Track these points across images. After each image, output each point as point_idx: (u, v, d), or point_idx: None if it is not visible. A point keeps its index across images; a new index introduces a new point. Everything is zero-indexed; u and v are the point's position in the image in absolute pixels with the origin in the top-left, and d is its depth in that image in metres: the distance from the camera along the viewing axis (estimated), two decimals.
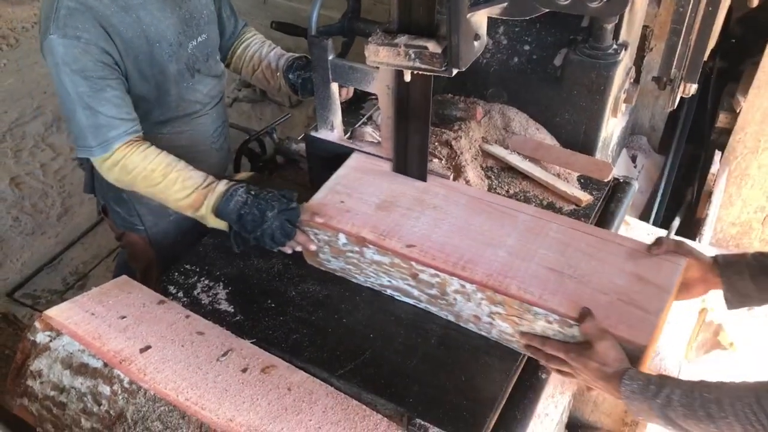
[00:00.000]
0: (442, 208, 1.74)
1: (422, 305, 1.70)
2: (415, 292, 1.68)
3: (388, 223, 1.69)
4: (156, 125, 1.94)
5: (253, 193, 1.74)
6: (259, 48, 2.16)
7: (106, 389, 1.47)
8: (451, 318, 1.67)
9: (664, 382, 1.29)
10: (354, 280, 1.78)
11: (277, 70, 2.11)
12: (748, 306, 1.52)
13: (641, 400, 1.30)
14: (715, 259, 1.54)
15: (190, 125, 2.02)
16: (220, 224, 1.78)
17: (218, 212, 1.75)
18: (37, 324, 1.60)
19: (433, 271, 1.58)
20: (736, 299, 1.51)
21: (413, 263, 1.60)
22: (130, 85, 1.81)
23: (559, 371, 1.49)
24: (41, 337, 1.58)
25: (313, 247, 1.77)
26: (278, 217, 1.71)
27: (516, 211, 1.73)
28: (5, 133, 4.30)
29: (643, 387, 1.30)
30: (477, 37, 1.46)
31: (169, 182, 1.76)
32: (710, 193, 2.69)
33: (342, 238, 1.69)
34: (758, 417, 1.16)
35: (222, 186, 1.77)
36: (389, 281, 1.70)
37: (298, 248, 1.78)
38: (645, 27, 2.63)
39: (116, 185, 1.84)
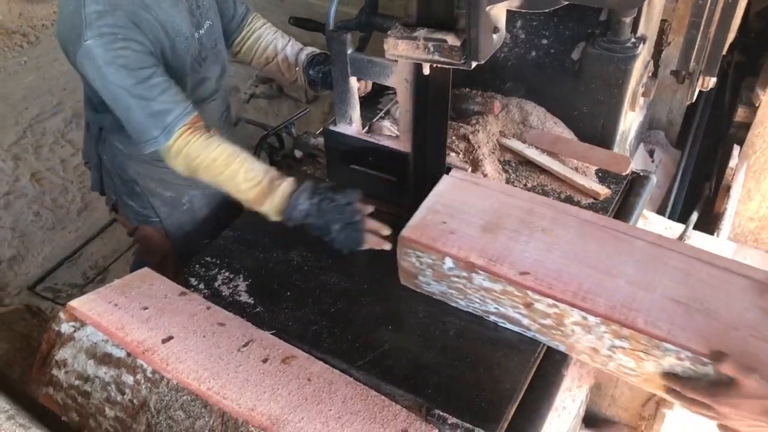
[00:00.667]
0: (552, 231, 1.64)
1: (530, 333, 1.62)
2: (525, 321, 1.59)
3: (496, 248, 1.59)
4: None
5: (316, 201, 1.74)
6: (273, 40, 2.16)
7: (129, 379, 1.49)
8: (562, 348, 1.59)
9: None
10: (454, 305, 1.70)
11: (296, 65, 2.12)
12: None
13: None
14: None
15: (202, 112, 1.99)
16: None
17: (284, 219, 1.77)
18: (61, 314, 1.62)
19: (551, 301, 1.49)
20: None
21: (529, 292, 1.51)
22: None
23: (703, 413, 1.37)
24: (66, 328, 1.60)
25: (386, 247, 1.75)
26: (344, 230, 1.73)
27: (632, 237, 1.63)
28: (26, 130, 4.36)
29: None
30: (496, 30, 1.46)
31: (232, 173, 1.77)
32: (728, 188, 2.68)
33: (448, 263, 1.60)
34: None
35: (284, 188, 1.76)
36: (496, 308, 1.62)
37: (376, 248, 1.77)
38: (663, 21, 2.62)
39: (183, 174, 1.84)
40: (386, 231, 1.78)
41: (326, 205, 1.73)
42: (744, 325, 1.40)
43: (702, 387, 1.37)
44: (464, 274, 1.59)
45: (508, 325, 1.64)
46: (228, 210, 2.03)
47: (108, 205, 2.26)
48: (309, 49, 2.16)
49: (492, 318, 1.65)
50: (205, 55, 1.97)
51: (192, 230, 2.21)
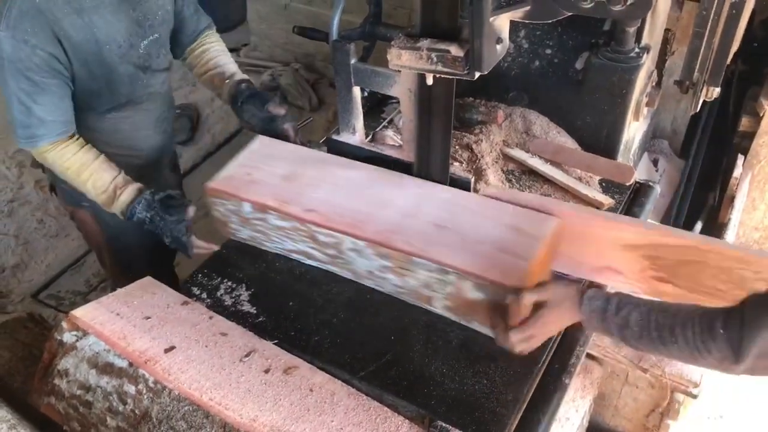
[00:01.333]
0: (341, 176, 1.89)
1: (325, 266, 1.84)
2: (317, 254, 1.82)
3: (290, 192, 1.83)
4: (103, 111, 2.05)
5: (150, 215, 1.94)
6: (218, 56, 2.26)
7: (131, 389, 1.49)
8: (351, 276, 1.81)
9: (623, 301, 1.34)
10: (263, 248, 1.92)
11: (226, 79, 2.19)
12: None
13: (600, 320, 1.36)
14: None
15: (135, 112, 2.13)
16: None
17: (127, 220, 1.98)
18: (63, 324, 1.62)
19: (328, 232, 1.73)
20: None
21: (310, 225, 1.75)
22: (78, 83, 1.91)
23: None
24: (68, 337, 1.60)
25: (215, 248, 1.97)
26: (173, 243, 1.95)
27: (410, 180, 1.87)
28: None
29: (602, 306, 1.35)
30: (499, 40, 1.47)
31: (81, 182, 1.95)
32: (733, 198, 2.67)
33: (246, 207, 1.83)
34: (707, 345, 1.21)
35: (126, 197, 1.96)
36: (294, 245, 1.84)
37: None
38: (667, 30, 2.61)
39: None
40: (215, 247, 1.98)
41: (158, 221, 1.94)
42: (490, 241, 1.63)
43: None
44: (261, 215, 1.82)
45: (308, 261, 1.87)
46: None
47: (48, 184, 2.35)
48: (242, 76, 2.23)
49: (294, 256, 1.88)
50: (149, 64, 2.06)
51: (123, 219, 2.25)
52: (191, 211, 1.94)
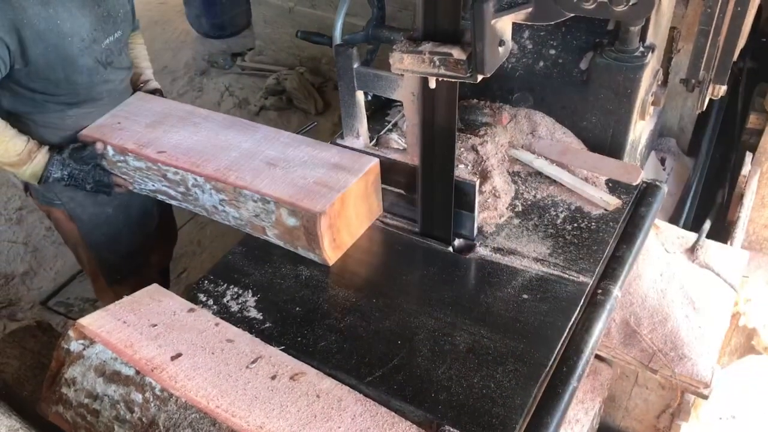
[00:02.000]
0: (201, 124, 2.16)
1: (183, 205, 2.09)
2: (172, 192, 2.06)
3: (150, 137, 2.10)
4: (63, 106, 2.13)
5: (67, 172, 2.11)
6: (137, 57, 2.47)
7: (138, 397, 1.49)
8: (203, 213, 2.04)
9: None
10: (133, 189, 2.19)
11: (141, 83, 2.42)
12: None
13: None
14: None
15: (96, 107, 2.21)
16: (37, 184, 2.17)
17: (42, 183, 2.13)
18: (70, 332, 1.63)
19: (174, 170, 1.98)
20: None
21: (160, 165, 2.00)
22: (35, 71, 2.00)
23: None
24: (75, 346, 1.60)
25: (131, 187, 2.18)
26: (95, 187, 2.15)
27: (260, 127, 2.14)
28: None
29: None
30: (502, 42, 1.46)
31: None
32: (742, 195, 2.65)
33: (110, 150, 2.12)
34: None
35: (41, 159, 2.10)
36: (153, 185, 2.10)
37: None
38: (672, 29, 2.59)
39: None
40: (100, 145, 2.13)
41: (77, 173, 2.12)
42: (312, 176, 1.87)
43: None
44: (121, 158, 2.10)
45: (170, 201, 2.12)
46: (137, 194, 2.25)
47: (23, 184, 2.39)
48: (154, 84, 2.46)
49: (159, 197, 2.13)
50: (111, 60, 2.16)
51: (96, 212, 2.34)
52: (100, 146, 2.11)
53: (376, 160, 1.90)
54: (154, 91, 2.41)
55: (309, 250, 1.84)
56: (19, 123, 2.12)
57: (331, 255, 1.85)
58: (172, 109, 2.25)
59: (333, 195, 1.79)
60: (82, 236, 2.39)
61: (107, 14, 2.11)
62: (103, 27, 2.09)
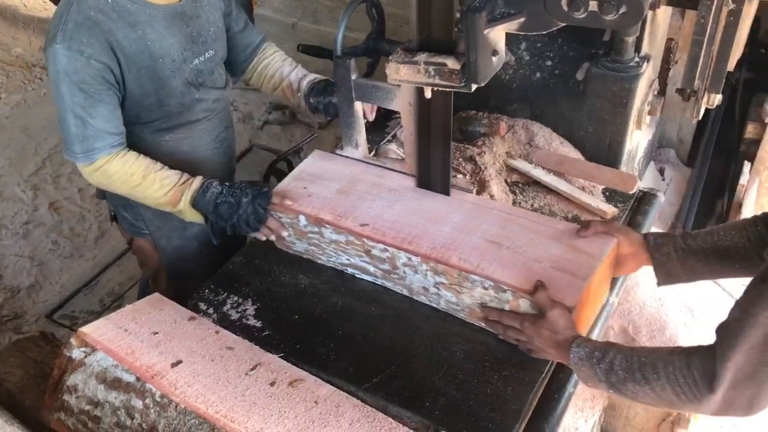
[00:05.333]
0: (397, 191, 1.91)
1: (379, 281, 1.84)
2: (371, 269, 1.82)
3: (345, 206, 1.85)
4: (158, 132, 2.03)
5: (227, 184, 1.91)
6: (280, 67, 2.23)
7: (138, 403, 1.51)
8: (405, 292, 1.80)
9: (608, 348, 1.39)
10: (319, 261, 1.93)
11: (298, 91, 2.18)
12: (676, 283, 1.61)
13: (588, 366, 1.40)
14: (646, 238, 1.63)
15: (192, 132, 2.11)
16: (198, 218, 1.94)
17: (195, 204, 1.91)
18: (72, 340, 1.65)
19: (383, 247, 1.74)
20: (664, 277, 1.61)
21: (365, 240, 1.76)
22: (131, 95, 1.90)
23: (517, 340, 1.59)
24: (77, 353, 1.62)
25: (285, 234, 1.92)
26: (252, 202, 1.86)
27: (462, 198, 1.88)
28: (45, 160, 4.43)
29: (589, 353, 1.40)
30: (495, 52, 1.48)
31: (148, 182, 1.90)
32: (740, 205, 2.66)
33: (302, 220, 1.85)
34: (686, 379, 1.26)
35: (197, 181, 1.92)
36: (348, 259, 1.85)
37: (272, 236, 1.93)
38: (670, 39, 2.62)
39: (96, 186, 2.00)
40: (284, 235, 1.93)
41: (236, 185, 1.91)
42: (546, 259, 1.64)
43: (516, 315, 1.58)
44: (316, 229, 1.84)
45: (364, 276, 1.86)
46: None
47: (109, 213, 2.34)
48: (311, 77, 2.21)
49: (349, 271, 1.88)
50: (203, 81, 2.03)
51: (180, 245, 2.27)
52: (277, 199, 1.90)
53: (615, 240, 1.66)
54: (319, 83, 2.18)
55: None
56: None
57: None
58: (359, 171, 1.99)
59: (580, 285, 1.56)
60: (164, 266, 2.33)
61: (197, 33, 1.98)
62: (192, 47, 1.97)
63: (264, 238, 1.94)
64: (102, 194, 2.23)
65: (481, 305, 1.65)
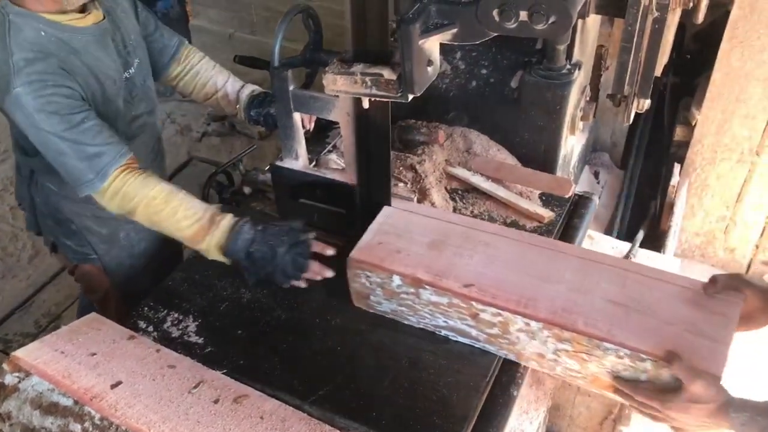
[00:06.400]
0: (492, 244, 1.72)
1: (479, 344, 1.67)
2: (474, 332, 1.64)
3: (441, 263, 1.66)
4: None
5: (260, 228, 1.76)
6: (213, 76, 2.19)
7: (77, 427, 1.46)
8: (511, 357, 1.64)
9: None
10: (406, 322, 1.74)
11: (237, 102, 2.16)
12: None
13: (754, 430, 1.30)
14: None
15: (132, 147, 1.98)
16: (223, 258, 1.80)
17: (226, 251, 1.77)
18: (5, 365, 1.59)
19: (495, 311, 1.56)
20: None
21: (474, 303, 1.57)
22: None
23: (652, 416, 1.46)
24: (9, 379, 1.57)
25: (329, 274, 1.79)
26: (289, 252, 1.74)
27: (564, 250, 1.73)
28: None
29: (751, 419, 1.29)
30: (430, 62, 1.50)
31: (172, 210, 1.77)
32: (672, 205, 2.75)
33: (396, 280, 1.65)
34: None
35: (227, 222, 1.78)
36: (446, 322, 1.67)
37: (318, 277, 1.80)
38: (600, 46, 2.69)
39: (118, 215, 1.84)
40: (331, 251, 1.82)
41: (271, 230, 1.77)
42: (679, 321, 1.48)
43: (652, 391, 1.43)
44: (412, 290, 1.65)
45: (459, 338, 1.68)
46: (167, 243, 2.00)
47: (47, 245, 2.25)
48: (250, 88, 2.20)
49: (443, 332, 1.69)
50: (136, 93, 1.99)
51: (130, 265, 2.22)
52: (314, 245, 1.80)
53: (743, 296, 1.51)
54: (258, 96, 2.16)
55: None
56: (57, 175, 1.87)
57: None
58: (442, 224, 1.81)
59: (722, 350, 1.42)
60: (114, 288, 2.24)
61: (123, 45, 1.92)
62: (122, 60, 1.91)
63: (305, 285, 1.81)
64: (34, 225, 2.17)
65: (614, 376, 1.50)
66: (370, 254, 1.70)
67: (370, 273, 1.69)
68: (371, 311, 1.78)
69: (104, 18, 1.86)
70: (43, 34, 1.71)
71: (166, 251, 2.25)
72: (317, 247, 1.80)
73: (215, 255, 1.80)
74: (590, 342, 1.47)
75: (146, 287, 2.17)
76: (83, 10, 1.80)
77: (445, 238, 1.75)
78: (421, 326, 1.72)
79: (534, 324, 1.52)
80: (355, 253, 1.70)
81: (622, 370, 1.47)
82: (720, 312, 1.50)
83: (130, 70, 1.94)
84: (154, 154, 2.19)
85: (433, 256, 1.69)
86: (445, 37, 1.48)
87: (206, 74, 2.19)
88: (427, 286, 1.62)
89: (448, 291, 1.60)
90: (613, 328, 1.47)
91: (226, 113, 2.22)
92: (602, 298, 1.55)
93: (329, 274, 1.79)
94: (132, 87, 1.97)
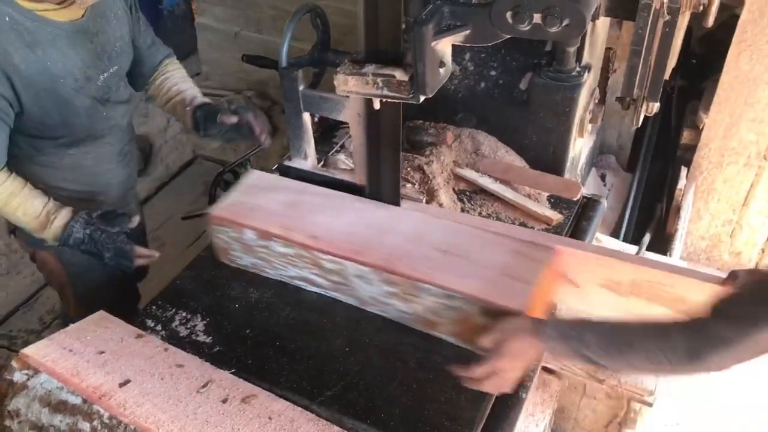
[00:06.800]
0: (345, 203, 1.92)
1: (329, 293, 1.83)
2: (320, 280, 1.81)
3: (293, 219, 1.84)
4: (62, 146, 2.00)
5: (89, 232, 1.93)
6: (179, 83, 2.24)
7: (85, 426, 1.47)
8: (355, 303, 1.80)
9: (581, 325, 1.42)
10: (264, 275, 1.91)
11: (187, 105, 2.18)
12: None
13: (563, 345, 1.40)
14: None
15: (97, 146, 2.08)
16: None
17: (61, 245, 1.95)
18: (13, 363, 1.59)
19: (333, 258, 1.74)
20: None
21: (315, 252, 1.75)
22: (30, 118, 1.86)
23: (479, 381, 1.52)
24: (18, 376, 1.57)
25: (156, 254, 2.02)
26: (115, 257, 1.94)
27: (414, 209, 1.91)
28: None
29: (563, 333, 1.40)
30: (442, 64, 1.50)
31: (11, 210, 1.92)
32: (678, 209, 2.74)
33: (249, 234, 1.83)
34: (666, 355, 1.27)
35: (59, 222, 1.93)
36: (296, 272, 1.84)
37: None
38: (608, 49, 2.70)
39: None
40: (156, 255, 2.03)
41: (98, 235, 1.93)
42: (496, 266, 1.66)
43: (468, 329, 1.60)
44: (264, 243, 1.83)
45: (310, 288, 1.86)
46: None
47: (7, 226, 2.26)
48: (202, 99, 2.23)
49: (296, 282, 1.87)
50: (109, 97, 2.03)
51: (86, 255, 2.20)
52: (135, 220, 1.98)
53: (557, 248, 1.72)
54: (203, 105, 2.19)
55: None
56: (17, 165, 1.96)
57: None
58: (301, 186, 2.00)
59: (527, 289, 1.60)
60: (69, 278, 2.28)
61: (101, 50, 1.96)
62: (97, 63, 1.95)
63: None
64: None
65: (436, 315, 1.67)
66: (228, 212, 1.88)
67: (227, 229, 1.86)
68: (233, 266, 1.94)
69: (83, 17, 1.89)
70: (7, 19, 1.74)
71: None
72: (141, 252, 1.99)
73: (55, 244, 1.97)
74: (412, 284, 1.65)
75: (103, 279, 2.27)
76: (62, 2, 1.82)
77: (302, 198, 1.93)
78: (278, 278, 1.89)
79: (365, 269, 1.70)
80: (215, 211, 1.90)
81: (441, 310, 1.64)
82: (535, 259, 1.68)
83: (104, 74, 1.98)
84: (122, 155, 2.22)
85: (287, 213, 1.87)
86: (457, 38, 1.49)
87: (174, 80, 2.25)
88: (276, 239, 1.79)
89: (294, 242, 1.77)
90: (433, 272, 1.65)
91: (177, 117, 2.27)
92: (432, 247, 1.73)
93: (156, 254, 2.03)
94: (106, 91, 2.00)
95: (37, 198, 1.94)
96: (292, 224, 1.82)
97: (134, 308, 2.52)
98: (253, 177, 2.04)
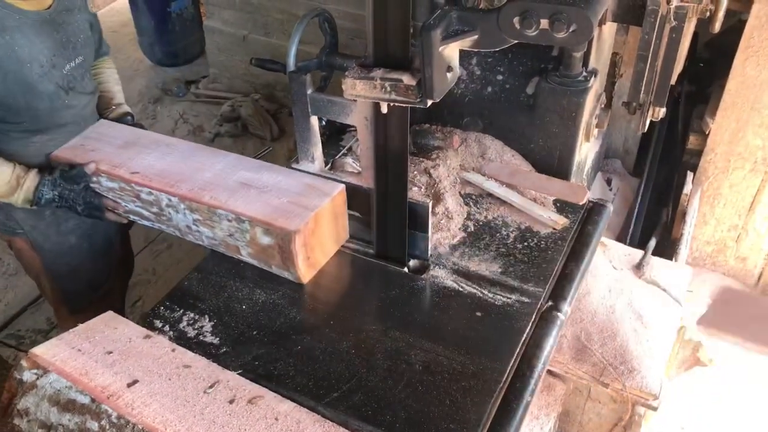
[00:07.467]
0: (174, 146, 2.18)
1: (156, 225, 2.09)
2: (145, 212, 2.07)
3: (123, 158, 2.11)
4: (26, 133, 2.11)
5: (57, 192, 2.07)
6: (107, 81, 2.46)
7: (94, 425, 1.48)
8: (176, 233, 2.05)
9: None
10: (117, 212, 2.14)
11: (111, 106, 2.40)
12: None
13: None
14: None
15: (61, 134, 2.19)
16: (34, 207, 2.11)
17: (35, 206, 2.08)
18: (23, 362, 1.60)
19: (148, 190, 1.99)
20: None
21: (133, 185, 2.01)
22: None
23: None
24: (28, 375, 1.58)
25: (124, 221, 2.18)
26: (86, 209, 2.10)
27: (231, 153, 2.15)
28: None
29: None
30: (449, 68, 1.51)
31: None
32: (684, 213, 2.75)
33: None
34: None
35: (29, 183, 2.06)
36: (125, 205, 2.09)
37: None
38: (615, 54, 2.71)
39: None
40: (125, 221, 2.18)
41: (67, 194, 2.07)
42: (287, 196, 1.88)
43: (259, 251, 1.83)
44: (94, 179, 2.09)
45: (142, 221, 2.13)
46: (98, 223, 2.27)
47: None
48: (126, 109, 2.44)
49: (132, 217, 2.13)
50: (73, 86, 2.16)
51: (57, 241, 2.31)
52: (91, 166, 2.07)
53: (343, 186, 1.92)
54: (125, 115, 2.39)
55: (283, 269, 1.86)
56: None
57: (305, 273, 1.86)
58: (140, 135, 2.25)
59: (307, 214, 1.80)
60: (44, 266, 2.35)
61: (66, 40, 2.11)
62: (62, 53, 2.09)
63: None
64: None
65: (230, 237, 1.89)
66: (67, 152, 2.15)
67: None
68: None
69: (50, 8, 2.06)
70: None
71: (99, 233, 2.39)
72: (109, 203, 2.12)
73: (26, 206, 2.10)
74: (210, 211, 1.88)
75: (80, 270, 2.36)
76: None
77: (137, 141, 2.20)
78: (126, 215, 2.13)
79: (174, 200, 1.94)
80: (56, 152, 2.16)
81: (236, 233, 1.86)
82: (324, 192, 1.89)
83: (71, 64, 2.14)
84: None
85: (118, 153, 2.13)
86: (465, 43, 1.50)
87: (104, 77, 2.44)
88: (103, 174, 2.06)
89: (117, 177, 2.04)
90: (229, 200, 1.88)
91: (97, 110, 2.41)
92: (236, 181, 1.96)
93: (124, 221, 2.18)
94: (71, 80, 2.15)
95: (4, 164, 2.05)
96: (120, 162, 2.08)
97: (116, 299, 2.62)
98: (97, 126, 2.30)
